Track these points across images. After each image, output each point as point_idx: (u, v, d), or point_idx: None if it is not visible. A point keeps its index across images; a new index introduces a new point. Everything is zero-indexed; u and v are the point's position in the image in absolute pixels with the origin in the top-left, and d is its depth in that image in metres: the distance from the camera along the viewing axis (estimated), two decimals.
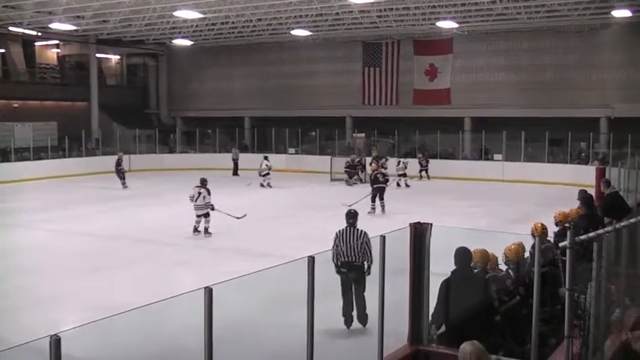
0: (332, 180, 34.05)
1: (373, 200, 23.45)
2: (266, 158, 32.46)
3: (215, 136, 43.05)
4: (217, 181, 34.38)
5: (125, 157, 34.40)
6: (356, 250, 10.89)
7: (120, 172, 31.50)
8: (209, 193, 19.52)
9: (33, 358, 4.85)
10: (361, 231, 11.14)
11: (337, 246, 11.01)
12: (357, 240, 10.94)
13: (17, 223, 22.16)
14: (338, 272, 10.93)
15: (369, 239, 10.77)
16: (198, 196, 19.27)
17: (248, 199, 27.96)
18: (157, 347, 9.74)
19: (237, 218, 20.15)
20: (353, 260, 10.87)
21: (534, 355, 6.33)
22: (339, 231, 11.26)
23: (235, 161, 38.49)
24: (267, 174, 31.56)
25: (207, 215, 19.39)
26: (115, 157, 32.64)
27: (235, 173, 37.94)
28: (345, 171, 33.39)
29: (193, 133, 43.70)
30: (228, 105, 45.24)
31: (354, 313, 10.81)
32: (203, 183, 19.77)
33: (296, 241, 18.13)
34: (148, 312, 5.30)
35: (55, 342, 3.69)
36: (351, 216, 11.51)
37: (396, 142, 38.91)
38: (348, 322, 10.81)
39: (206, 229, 19.39)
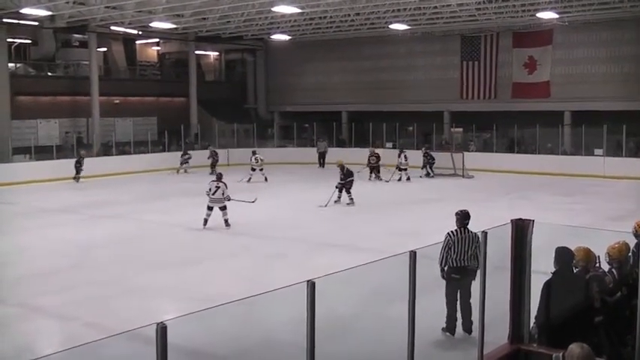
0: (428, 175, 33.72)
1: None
2: (254, 153, 33.09)
3: (312, 130, 43.27)
4: (325, 174, 34.75)
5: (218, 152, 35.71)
6: (469, 253, 10.23)
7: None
8: (226, 187, 20.16)
9: (134, 345, 5.02)
10: (475, 233, 10.16)
11: (450, 249, 10.32)
12: (471, 243, 10.25)
13: (116, 214, 22.91)
14: (445, 277, 10.38)
15: (480, 242, 9.98)
16: (217, 190, 19.93)
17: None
18: (255, 339, 9.89)
19: (251, 202, 21.69)
20: (466, 265, 10.22)
21: None
22: (452, 232, 10.43)
23: (323, 154, 39.03)
24: (261, 169, 32.08)
25: (224, 208, 20.02)
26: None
27: (321, 165, 39.00)
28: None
29: (291, 128, 43.98)
30: (326, 99, 45.30)
31: (458, 322, 10.29)
32: (220, 178, 20.57)
33: (391, 235, 18.09)
34: (247, 304, 5.39)
35: (162, 330, 3.83)
36: (466, 217, 10.54)
37: (494, 136, 38.31)
38: (452, 331, 10.29)
39: (226, 221, 19.93)
